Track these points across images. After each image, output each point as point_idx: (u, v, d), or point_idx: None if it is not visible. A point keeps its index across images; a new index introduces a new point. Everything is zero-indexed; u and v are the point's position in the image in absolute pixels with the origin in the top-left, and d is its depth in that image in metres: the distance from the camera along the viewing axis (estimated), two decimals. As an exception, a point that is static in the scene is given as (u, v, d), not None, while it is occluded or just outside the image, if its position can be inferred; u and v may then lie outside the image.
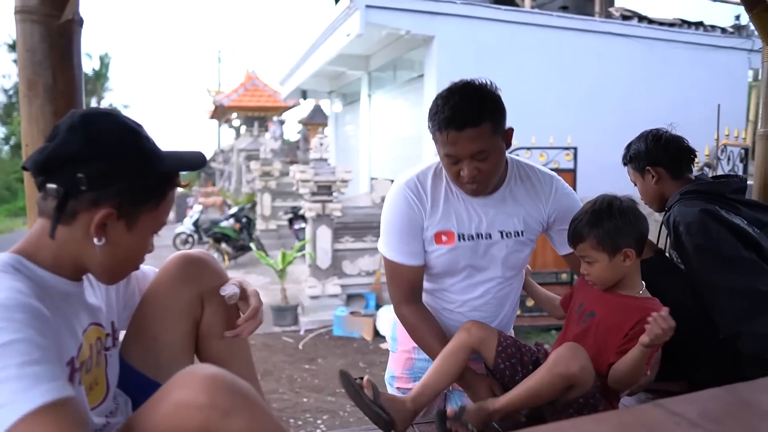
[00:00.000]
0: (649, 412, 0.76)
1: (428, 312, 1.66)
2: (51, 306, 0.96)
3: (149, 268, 1.40)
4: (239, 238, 9.67)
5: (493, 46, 7.19)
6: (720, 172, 4.48)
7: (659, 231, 1.90)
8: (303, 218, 8.11)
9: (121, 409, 1.21)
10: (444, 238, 1.59)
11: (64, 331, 1.00)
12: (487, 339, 1.53)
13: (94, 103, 28.16)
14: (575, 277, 1.74)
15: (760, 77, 2.23)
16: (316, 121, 16.86)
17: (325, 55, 8.85)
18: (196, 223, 10.73)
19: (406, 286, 1.64)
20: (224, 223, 9.89)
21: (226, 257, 9.52)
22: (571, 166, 5.70)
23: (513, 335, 1.81)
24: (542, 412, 1.46)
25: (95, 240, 1.00)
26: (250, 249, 9.15)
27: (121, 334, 1.29)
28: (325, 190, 6.41)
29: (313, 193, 6.37)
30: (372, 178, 9.43)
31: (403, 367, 1.80)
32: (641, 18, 8.46)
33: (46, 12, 1.28)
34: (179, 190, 1.17)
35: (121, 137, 1.02)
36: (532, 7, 8.88)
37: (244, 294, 1.34)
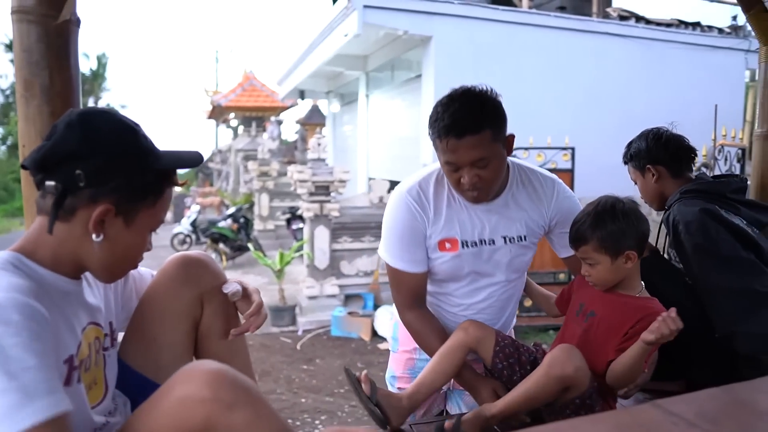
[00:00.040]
0: (646, 412, 0.76)
1: (432, 317, 1.65)
2: (50, 304, 0.97)
3: (146, 271, 1.41)
4: (237, 238, 9.66)
5: (490, 46, 7.20)
6: (717, 172, 4.49)
7: (658, 230, 1.90)
8: (301, 218, 8.11)
9: (120, 409, 1.22)
10: (448, 245, 1.59)
11: (62, 329, 1.00)
12: (484, 339, 1.53)
13: (91, 104, 28.09)
14: (572, 277, 1.74)
15: (757, 78, 2.23)
16: (313, 121, 16.84)
17: (322, 56, 8.85)
18: (193, 224, 10.72)
19: (410, 293, 1.64)
20: (222, 224, 9.88)
21: (223, 257, 9.51)
22: (568, 166, 5.71)
23: (513, 335, 1.81)
24: (541, 413, 1.46)
25: (94, 236, 1.01)
26: (247, 249, 9.15)
27: (119, 336, 1.30)
28: (322, 190, 6.41)
29: (311, 194, 6.36)
30: (370, 179, 9.44)
31: (404, 367, 1.80)
32: (639, 18, 8.48)
33: (42, 12, 1.28)
34: (177, 190, 1.18)
35: (119, 134, 1.03)
36: (530, 8, 8.89)
37: (245, 292, 1.36)
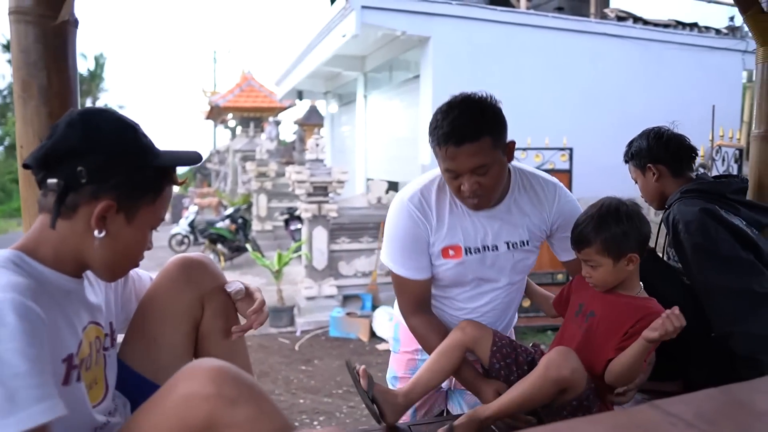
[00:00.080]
0: (644, 413, 0.76)
1: (437, 321, 1.66)
2: (49, 303, 0.97)
3: (145, 273, 1.42)
4: (235, 239, 9.65)
5: (488, 46, 7.20)
6: (714, 172, 4.50)
7: (658, 230, 1.91)
8: (299, 219, 8.10)
9: (120, 410, 1.22)
10: (451, 252, 1.59)
11: (62, 328, 1.01)
12: (481, 339, 1.53)
13: (89, 104, 28.05)
14: (570, 277, 1.74)
15: (754, 78, 2.24)
16: (311, 121, 16.84)
17: (320, 56, 8.84)
18: (191, 224, 10.71)
19: (415, 299, 1.65)
20: (220, 224, 9.87)
21: (221, 258, 9.50)
22: (566, 166, 5.72)
23: (513, 336, 1.82)
24: (539, 414, 1.47)
25: (96, 232, 1.02)
26: (246, 250, 9.13)
27: (119, 337, 1.30)
28: (321, 190, 6.41)
29: (309, 194, 6.36)
30: (368, 179, 9.44)
31: (406, 368, 1.81)
32: (636, 19, 8.48)
33: (40, 13, 1.28)
34: (175, 190, 1.18)
35: (119, 132, 1.05)
36: (528, 8, 8.89)
37: (247, 290, 1.38)
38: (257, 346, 5.50)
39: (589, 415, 1.37)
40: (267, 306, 1.41)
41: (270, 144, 14.55)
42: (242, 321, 1.39)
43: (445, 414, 1.84)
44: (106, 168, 1.01)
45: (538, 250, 1.68)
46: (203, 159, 1.23)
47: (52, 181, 0.99)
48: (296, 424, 3.83)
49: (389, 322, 5.70)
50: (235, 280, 1.40)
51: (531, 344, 1.65)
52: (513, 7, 8.91)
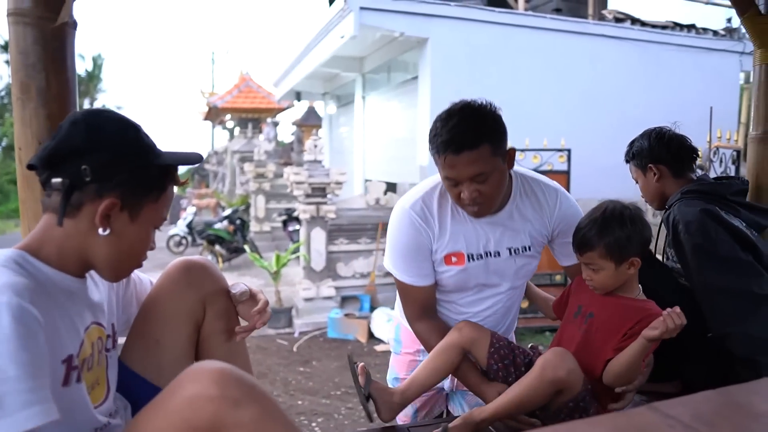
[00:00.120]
0: (643, 415, 0.77)
1: (442, 325, 1.66)
2: (49, 303, 0.97)
3: (146, 277, 1.43)
4: (233, 240, 9.64)
5: (486, 47, 7.21)
6: (712, 174, 4.51)
7: (658, 230, 1.91)
8: (297, 220, 8.10)
9: (120, 412, 1.22)
10: (454, 259, 1.59)
11: (61, 329, 1.01)
12: (478, 340, 1.53)
13: (87, 105, 28.03)
14: (569, 279, 1.75)
15: (751, 80, 2.24)
16: (310, 122, 16.85)
17: (319, 57, 8.85)
18: (189, 225, 10.69)
19: (419, 304, 1.65)
20: (218, 225, 9.85)
21: (219, 259, 9.49)
22: (565, 167, 5.73)
23: (514, 338, 1.82)
24: (536, 417, 1.47)
25: (100, 230, 1.03)
26: (244, 251, 9.13)
27: (120, 339, 1.30)
28: (319, 192, 6.40)
29: (308, 195, 6.36)
30: (366, 180, 9.44)
31: (407, 369, 1.81)
32: (634, 20, 8.50)
33: (39, 14, 1.28)
34: (174, 190, 1.19)
35: (122, 131, 1.07)
36: (526, 10, 8.91)
37: (251, 292, 1.40)
38: (255, 348, 5.50)
39: (585, 415, 1.38)
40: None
41: (268, 145, 14.55)
42: (243, 324, 1.39)
43: (445, 415, 1.85)
44: (110, 166, 1.02)
45: (539, 256, 1.69)
46: (204, 158, 1.25)
47: (56, 180, 1.01)
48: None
49: (387, 323, 5.70)
50: (238, 282, 1.42)
51: (529, 346, 1.66)
52: (511, 8, 8.93)
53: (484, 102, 1.47)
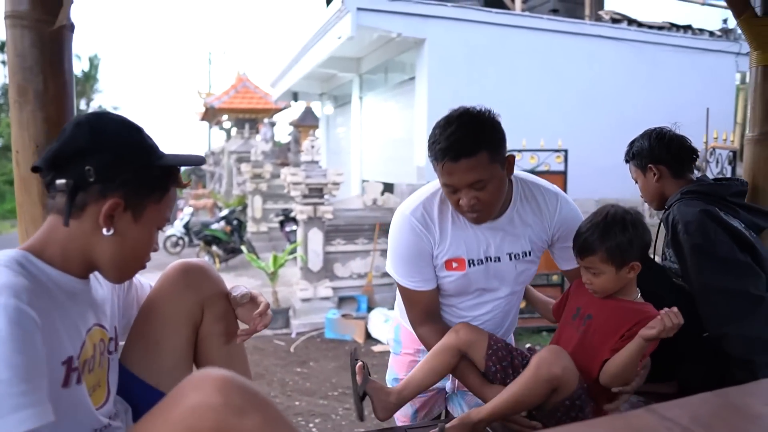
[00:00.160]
0: (640, 418, 0.77)
1: (446, 329, 1.65)
2: (49, 304, 0.98)
3: (147, 282, 1.43)
4: (230, 240, 9.63)
5: (483, 48, 7.22)
6: (708, 174, 4.53)
7: (657, 231, 1.92)
8: (294, 220, 8.10)
9: (121, 416, 1.22)
10: (455, 265, 1.60)
11: (62, 331, 1.01)
12: (475, 342, 1.54)
13: (83, 105, 27.99)
14: (565, 278, 1.75)
15: (747, 80, 2.25)
16: (307, 123, 16.82)
17: (316, 58, 8.85)
18: (186, 226, 10.67)
19: (422, 309, 1.66)
20: (215, 226, 9.85)
21: (216, 260, 9.48)
22: (561, 168, 5.73)
23: (513, 340, 1.83)
24: (533, 417, 1.47)
25: (104, 230, 1.04)
26: (241, 252, 9.12)
27: (120, 343, 1.30)
28: (316, 192, 6.40)
29: (305, 196, 6.36)
30: (363, 181, 9.45)
31: (407, 369, 1.81)
32: (631, 21, 8.52)
33: (36, 17, 1.28)
34: (176, 192, 1.19)
35: (125, 132, 1.09)
36: (522, 10, 8.93)
37: (251, 295, 1.41)
38: (252, 348, 5.49)
39: (581, 414, 1.39)
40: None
41: (265, 145, 14.52)
42: (242, 327, 1.39)
43: (444, 416, 1.85)
44: (113, 167, 1.04)
45: (539, 260, 1.69)
46: (206, 161, 1.26)
47: (61, 181, 1.02)
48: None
49: (385, 323, 5.70)
50: (238, 285, 1.42)
51: (527, 347, 1.66)
52: (508, 9, 8.94)
53: (483, 109, 1.47)
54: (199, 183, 22.48)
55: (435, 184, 1.62)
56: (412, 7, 6.87)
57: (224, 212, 10.52)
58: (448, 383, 1.80)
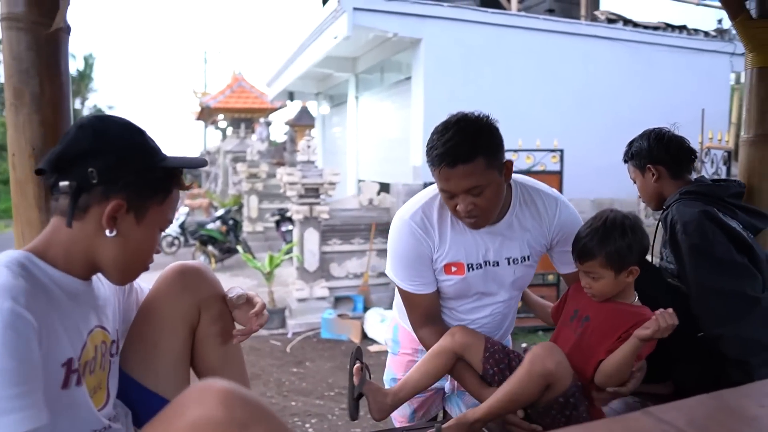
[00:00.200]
0: (638, 421, 0.78)
1: (446, 330, 1.67)
2: (50, 306, 0.98)
3: (147, 287, 1.43)
4: (226, 240, 9.61)
5: (480, 48, 7.22)
6: (704, 174, 4.55)
7: (656, 231, 1.93)
8: (290, 220, 8.09)
9: (121, 419, 1.22)
10: (454, 269, 1.60)
11: (61, 332, 1.01)
12: (472, 345, 1.55)
13: (78, 105, 27.89)
14: (561, 278, 1.76)
15: (742, 80, 2.26)
16: (303, 122, 16.82)
17: (312, 57, 8.83)
18: (182, 226, 10.64)
19: (423, 311, 1.66)
20: (211, 226, 9.82)
21: (212, 260, 9.46)
22: (557, 168, 5.75)
23: (510, 341, 1.84)
24: (529, 415, 1.48)
25: (107, 232, 1.05)
26: (236, 251, 9.10)
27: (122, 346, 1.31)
28: (312, 192, 6.40)
29: (301, 196, 6.36)
30: (359, 181, 9.44)
31: (405, 369, 1.82)
32: (626, 21, 8.54)
33: (33, 19, 1.27)
34: (179, 193, 1.20)
35: (128, 134, 1.10)
36: (519, 10, 8.94)
37: (247, 296, 1.41)
38: (249, 349, 5.49)
39: (575, 413, 1.40)
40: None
41: (261, 145, 14.52)
42: (239, 328, 1.39)
43: (443, 416, 1.86)
44: (116, 168, 1.05)
45: (537, 264, 1.70)
46: (208, 163, 1.26)
47: (64, 183, 1.03)
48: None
49: (381, 323, 5.71)
50: (234, 286, 1.43)
51: (523, 349, 1.67)
52: (504, 9, 8.95)
53: (481, 114, 1.47)
54: (195, 182, 22.42)
55: (434, 188, 1.62)
56: (408, 7, 6.87)
57: (220, 212, 10.50)
58: (446, 383, 1.80)
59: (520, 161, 5.60)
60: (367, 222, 6.72)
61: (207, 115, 19.94)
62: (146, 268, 1.18)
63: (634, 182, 1.98)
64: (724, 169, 4.79)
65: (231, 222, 9.87)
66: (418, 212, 1.60)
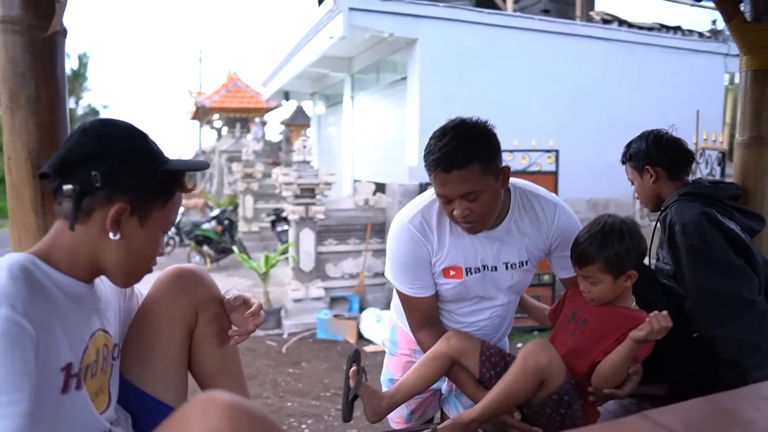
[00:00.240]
0: (634, 424, 0.78)
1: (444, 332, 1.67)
2: (50, 310, 0.98)
3: (143, 289, 1.42)
4: (221, 240, 9.60)
5: (475, 48, 7.24)
6: (699, 175, 4.57)
7: (653, 232, 1.94)
8: (285, 220, 8.08)
9: (121, 423, 1.22)
10: (452, 273, 1.61)
11: (61, 337, 1.01)
12: (467, 350, 1.55)
13: (72, 104, 27.78)
14: (556, 278, 1.77)
15: (736, 81, 2.28)
16: (298, 122, 16.80)
17: (307, 57, 8.83)
18: (177, 226, 10.61)
19: (422, 314, 1.67)
20: (206, 226, 9.80)
21: (207, 260, 9.44)
22: (553, 168, 5.76)
23: (507, 344, 1.85)
24: (525, 416, 1.48)
25: (111, 234, 1.06)
26: (232, 251, 9.09)
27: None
28: (308, 192, 6.40)
29: (297, 196, 6.35)
30: (355, 181, 9.44)
31: (402, 370, 1.83)
32: (621, 22, 8.57)
33: (29, 22, 1.27)
34: (181, 196, 1.20)
35: (130, 138, 1.11)
36: (514, 11, 8.95)
37: (243, 298, 1.41)
38: (244, 349, 5.48)
39: (570, 411, 1.41)
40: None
41: (256, 145, 14.51)
42: (235, 329, 1.39)
43: (440, 417, 1.87)
44: (119, 171, 1.05)
45: (535, 269, 1.71)
46: (210, 166, 1.27)
47: (67, 187, 1.03)
48: (284, 427, 3.83)
49: (377, 324, 5.71)
50: (230, 288, 1.43)
51: (519, 348, 1.67)
52: (499, 9, 8.96)
53: (479, 120, 1.47)
54: (190, 182, 22.36)
55: (433, 192, 1.62)
56: (404, 8, 6.87)
57: (215, 212, 10.48)
58: (443, 385, 1.81)
59: (515, 161, 5.61)
60: (362, 222, 6.72)
61: (202, 114, 19.91)
62: (150, 271, 1.18)
63: (632, 183, 1.99)
64: (718, 169, 4.82)
65: (226, 222, 9.86)
66: (417, 216, 1.60)
